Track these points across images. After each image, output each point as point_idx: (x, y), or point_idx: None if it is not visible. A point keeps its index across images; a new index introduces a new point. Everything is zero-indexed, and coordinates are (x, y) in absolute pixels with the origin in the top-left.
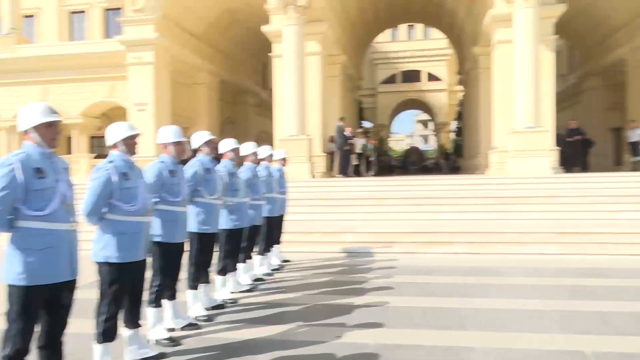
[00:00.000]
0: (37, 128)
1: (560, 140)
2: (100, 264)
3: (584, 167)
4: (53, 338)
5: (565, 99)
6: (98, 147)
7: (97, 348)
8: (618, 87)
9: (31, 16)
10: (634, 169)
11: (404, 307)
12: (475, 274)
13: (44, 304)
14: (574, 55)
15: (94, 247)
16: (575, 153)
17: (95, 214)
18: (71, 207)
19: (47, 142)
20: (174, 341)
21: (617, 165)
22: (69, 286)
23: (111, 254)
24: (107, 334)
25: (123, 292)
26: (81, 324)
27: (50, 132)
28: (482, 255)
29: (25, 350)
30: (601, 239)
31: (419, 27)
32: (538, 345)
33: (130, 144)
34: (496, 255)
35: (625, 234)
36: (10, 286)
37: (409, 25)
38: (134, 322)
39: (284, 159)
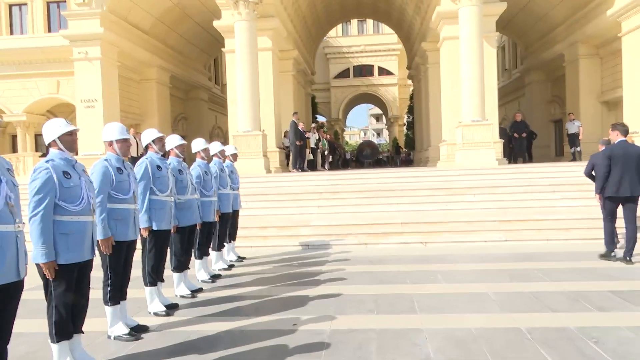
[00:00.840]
0: None
1: (504, 133)
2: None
3: (528, 158)
4: (1, 335)
5: (510, 93)
6: (44, 145)
7: (54, 347)
8: (558, 81)
9: None
10: (573, 159)
11: (357, 295)
12: (424, 262)
13: None
14: (517, 50)
15: (34, 248)
16: (520, 145)
17: (44, 218)
18: (16, 208)
19: None
20: (134, 336)
21: (558, 155)
22: (15, 287)
23: (58, 257)
24: (61, 334)
25: (70, 293)
26: (40, 323)
27: None
28: (431, 244)
29: None
30: (540, 226)
31: (369, 22)
32: (480, 325)
33: (68, 140)
34: (444, 243)
35: (563, 220)
36: None
37: (359, 20)
38: (75, 327)
39: (234, 155)
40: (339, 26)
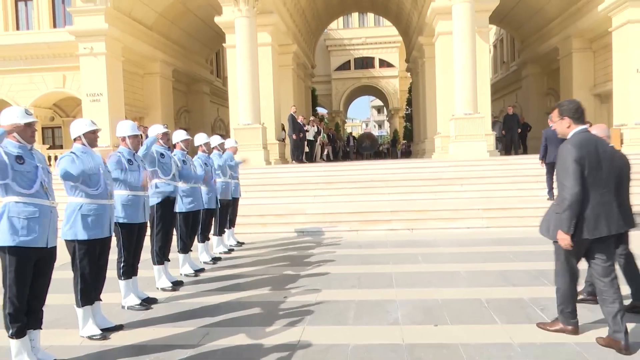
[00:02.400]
0: (17, 127)
1: (497, 126)
2: (69, 241)
3: (523, 150)
4: (38, 297)
5: (508, 85)
6: (50, 138)
7: (79, 311)
8: (553, 74)
9: None
10: None
11: (343, 274)
12: (408, 246)
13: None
14: (515, 43)
15: (63, 227)
16: (511, 138)
17: (71, 179)
18: (49, 188)
19: (26, 139)
20: (144, 306)
21: None
22: (50, 253)
23: (79, 232)
24: (84, 300)
25: (92, 265)
26: (65, 297)
27: (29, 131)
28: (418, 230)
29: (22, 310)
30: (521, 214)
31: (370, 14)
32: (446, 297)
33: (91, 137)
34: (430, 230)
35: (543, 208)
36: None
37: (360, 13)
38: (96, 294)
39: (234, 147)
40: (340, 18)
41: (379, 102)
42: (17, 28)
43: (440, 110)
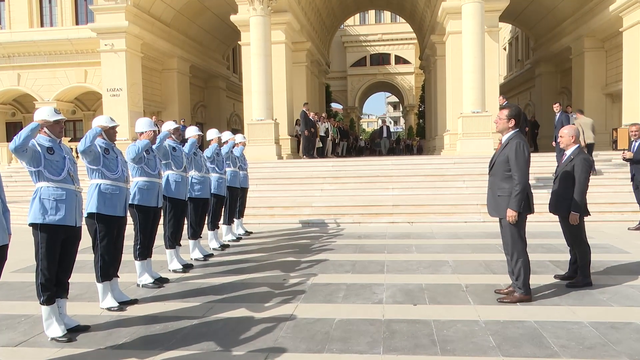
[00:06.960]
0: (47, 123)
1: None
2: (90, 215)
3: (534, 149)
4: (66, 269)
5: (522, 84)
6: (72, 131)
7: (99, 286)
8: (566, 73)
9: (1, 1)
10: None
11: (339, 260)
12: (405, 237)
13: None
14: (529, 41)
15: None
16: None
17: (86, 144)
18: (75, 176)
19: (55, 134)
20: (157, 285)
21: None
22: (77, 232)
23: (99, 208)
24: (104, 276)
25: (110, 245)
26: (86, 276)
27: (57, 127)
28: (417, 223)
29: (52, 281)
30: None
31: (387, 11)
32: (430, 281)
33: (111, 133)
34: (428, 223)
35: (538, 205)
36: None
37: (377, 9)
38: (114, 271)
39: (242, 142)
40: (357, 15)
41: (394, 99)
42: (42, 25)
43: (450, 108)
